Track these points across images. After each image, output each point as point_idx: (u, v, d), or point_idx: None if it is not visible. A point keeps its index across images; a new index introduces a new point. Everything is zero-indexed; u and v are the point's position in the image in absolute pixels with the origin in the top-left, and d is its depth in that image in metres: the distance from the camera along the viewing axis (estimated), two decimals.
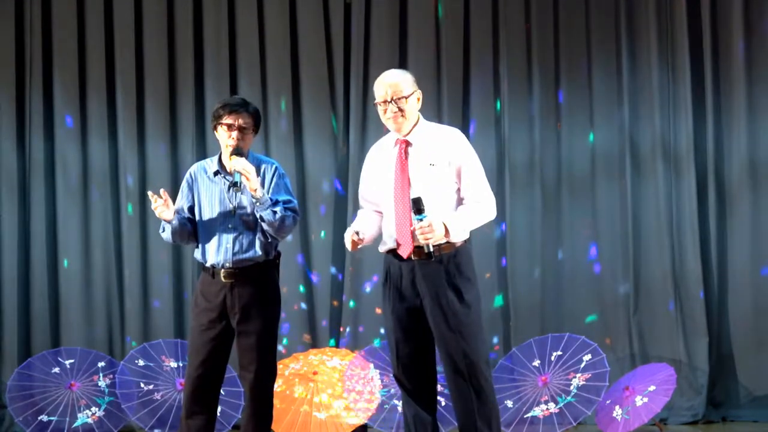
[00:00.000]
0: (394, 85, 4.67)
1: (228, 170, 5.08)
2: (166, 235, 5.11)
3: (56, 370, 7.08)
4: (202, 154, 7.46)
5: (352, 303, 7.62)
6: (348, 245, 4.71)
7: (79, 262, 7.63)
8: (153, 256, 7.63)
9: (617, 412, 6.61)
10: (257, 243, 5.05)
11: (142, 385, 6.91)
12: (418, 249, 4.61)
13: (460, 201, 4.72)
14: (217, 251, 5.04)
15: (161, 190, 5.03)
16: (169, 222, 5.02)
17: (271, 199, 5.01)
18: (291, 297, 7.63)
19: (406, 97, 4.67)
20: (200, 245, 5.11)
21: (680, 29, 7.56)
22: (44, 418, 7.00)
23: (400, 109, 4.66)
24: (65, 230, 7.64)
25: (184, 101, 7.72)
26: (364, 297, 7.65)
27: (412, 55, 7.74)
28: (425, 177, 4.65)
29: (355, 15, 7.74)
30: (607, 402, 6.73)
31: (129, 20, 7.70)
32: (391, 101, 4.65)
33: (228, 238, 5.04)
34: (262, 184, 5.08)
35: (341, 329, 7.61)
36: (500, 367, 6.94)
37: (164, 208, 4.98)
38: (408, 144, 4.73)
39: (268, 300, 5.09)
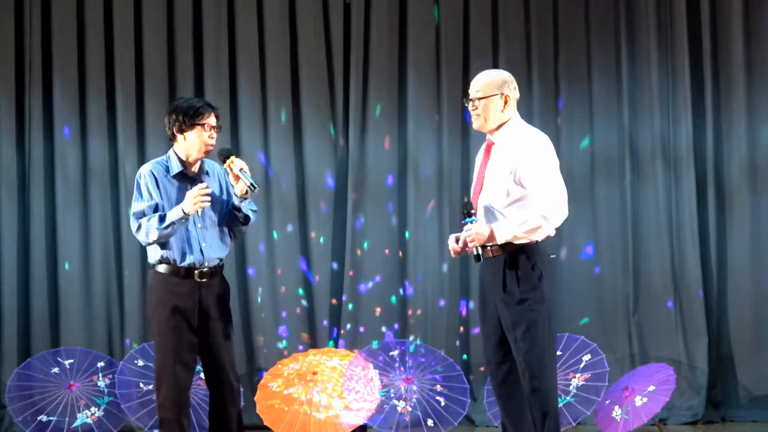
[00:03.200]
0: (475, 84, 4.83)
1: (192, 172, 5.09)
2: (169, 231, 4.97)
3: (56, 370, 7.07)
4: None
5: (351, 303, 7.63)
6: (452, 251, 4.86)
7: (78, 262, 7.62)
8: None
9: (617, 412, 6.61)
10: (225, 241, 5.17)
11: (141, 385, 6.90)
12: (484, 249, 4.71)
13: (527, 205, 4.70)
14: (194, 251, 5.05)
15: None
16: (186, 216, 4.95)
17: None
18: (291, 297, 7.64)
19: (480, 99, 4.77)
20: (173, 246, 5.04)
21: (680, 31, 7.57)
22: (44, 418, 6.99)
23: (476, 108, 4.79)
24: (65, 230, 7.63)
25: None
26: (363, 297, 7.66)
27: (411, 56, 7.74)
28: (494, 178, 4.73)
29: (354, 15, 7.75)
30: (607, 402, 6.73)
31: (129, 21, 7.69)
32: (472, 99, 4.81)
33: (200, 238, 5.07)
34: (220, 185, 5.17)
35: (341, 329, 7.62)
36: None
37: (206, 202, 4.96)
38: (492, 144, 4.83)
39: (228, 296, 5.22)
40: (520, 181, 4.66)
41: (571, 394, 6.69)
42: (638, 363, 7.38)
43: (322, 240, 7.73)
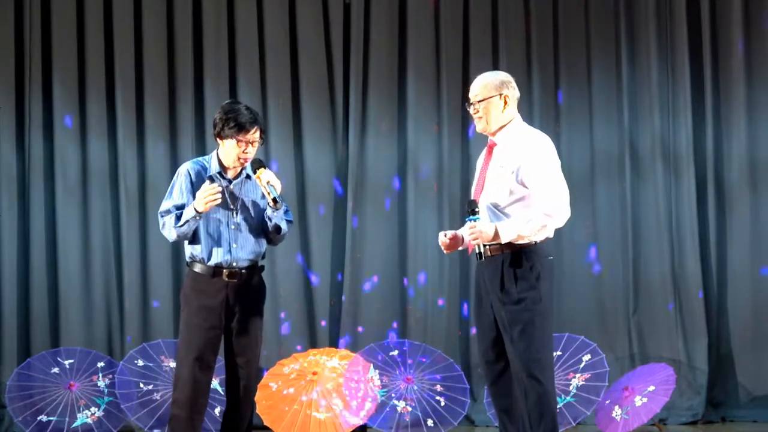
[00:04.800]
0: (474, 88, 4.86)
1: (230, 174, 5.13)
2: (185, 229, 5.03)
3: (56, 370, 7.07)
4: (201, 154, 7.45)
5: (351, 303, 7.62)
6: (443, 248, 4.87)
7: (78, 262, 7.62)
8: (152, 256, 7.63)
9: (617, 412, 6.62)
10: (258, 244, 5.16)
11: (141, 385, 6.90)
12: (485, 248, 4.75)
13: (531, 204, 4.72)
14: (221, 251, 5.09)
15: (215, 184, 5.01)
16: (199, 214, 4.99)
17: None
18: (291, 297, 7.64)
19: (480, 101, 4.79)
20: (202, 245, 5.12)
21: (679, 30, 7.58)
22: (43, 418, 6.99)
23: (478, 111, 4.82)
24: (65, 230, 7.63)
25: (184, 101, 7.71)
26: (363, 297, 7.66)
27: (411, 56, 7.74)
28: (495, 178, 4.76)
29: (354, 15, 7.75)
30: (607, 402, 6.73)
31: (129, 20, 7.69)
32: (472, 104, 4.84)
33: (231, 239, 5.10)
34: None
35: (341, 329, 7.61)
36: None
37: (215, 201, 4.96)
38: (494, 145, 4.86)
39: (260, 300, 5.21)
40: (523, 181, 4.68)
41: (571, 394, 6.69)
42: (638, 363, 7.38)
43: (321, 240, 7.73)
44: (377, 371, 6.81)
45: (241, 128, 5.02)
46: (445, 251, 4.89)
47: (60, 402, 7.00)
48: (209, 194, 4.93)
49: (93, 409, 7.02)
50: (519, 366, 4.63)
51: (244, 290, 5.11)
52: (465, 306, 7.66)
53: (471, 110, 4.85)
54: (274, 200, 5.00)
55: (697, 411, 7.33)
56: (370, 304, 7.65)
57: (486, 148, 4.89)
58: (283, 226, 5.14)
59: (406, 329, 7.63)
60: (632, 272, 7.52)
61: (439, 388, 6.88)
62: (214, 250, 5.09)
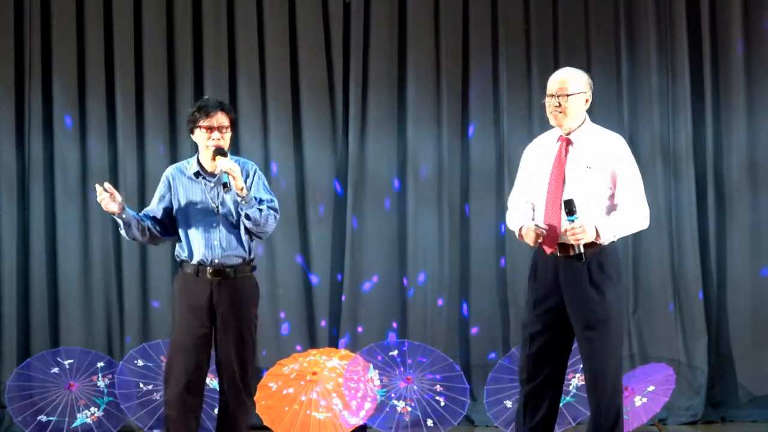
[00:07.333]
0: (562, 81, 4.79)
1: (209, 171, 5.13)
2: (122, 232, 5.09)
3: (55, 370, 7.08)
4: None
5: (350, 304, 7.62)
6: (530, 240, 4.73)
7: (78, 262, 7.61)
8: (152, 256, 7.62)
9: None
10: (243, 241, 5.13)
11: (141, 385, 6.91)
12: (562, 247, 4.69)
13: (613, 206, 4.75)
14: (203, 249, 5.09)
15: (105, 184, 5.00)
16: (116, 215, 4.98)
17: (255, 198, 5.07)
18: (290, 297, 7.64)
19: (570, 95, 4.76)
20: (184, 244, 5.14)
21: (679, 30, 7.58)
22: (43, 418, 7.00)
23: (560, 105, 4.75)
24: (64, 230, 7.62)
25: (184, 102, 7.70)
26: (363, 297, 7.66)
27: (411, 56, 7.74)
28: (580, 179, 4.73)
29: (354, 15, 7.74)
30: None
31: (128, 21, 7.69)
32: (554, 96, 4.76)
33: (213, 237, 5.09)
34: (248, 187, 5.13)
35: (340, 330, 7.62)
36: (500, 367, 6.94)
37: (110, 201, 4.95)
38: (569, 143, 4.81)
39: (250, 299, 5.17)
40: (615, 182, 4.71)
41: (571, 394, 6.69)
42: (638, 363, 7.38)
43: (321, 240, 7.73)
44: (377, 371, 6.82)
45: (203, 110, 5.04)
46: (533, 243, 4.73)
47: (60, 402, 7.00)
48: (98, 198, 4.93)
49: (93, 409, 7.02)
50: (598, 361, 4.64)
51: (232, 289, 5.09)
52: (465, 306, 7.66)
53: (553, 102, 4.76)
54: (224, 185, 4.95)
55: (697, 411, 7.33)
56: (370, 304, 7.65)
57: (558, 144, 4.82)
58: (253, 214, 5.00)
59: (406, 329, 7.62)
60: (632, 272, 7.52)
61: (438, 388, 6.88)
62: (196, 248, 5.11)
